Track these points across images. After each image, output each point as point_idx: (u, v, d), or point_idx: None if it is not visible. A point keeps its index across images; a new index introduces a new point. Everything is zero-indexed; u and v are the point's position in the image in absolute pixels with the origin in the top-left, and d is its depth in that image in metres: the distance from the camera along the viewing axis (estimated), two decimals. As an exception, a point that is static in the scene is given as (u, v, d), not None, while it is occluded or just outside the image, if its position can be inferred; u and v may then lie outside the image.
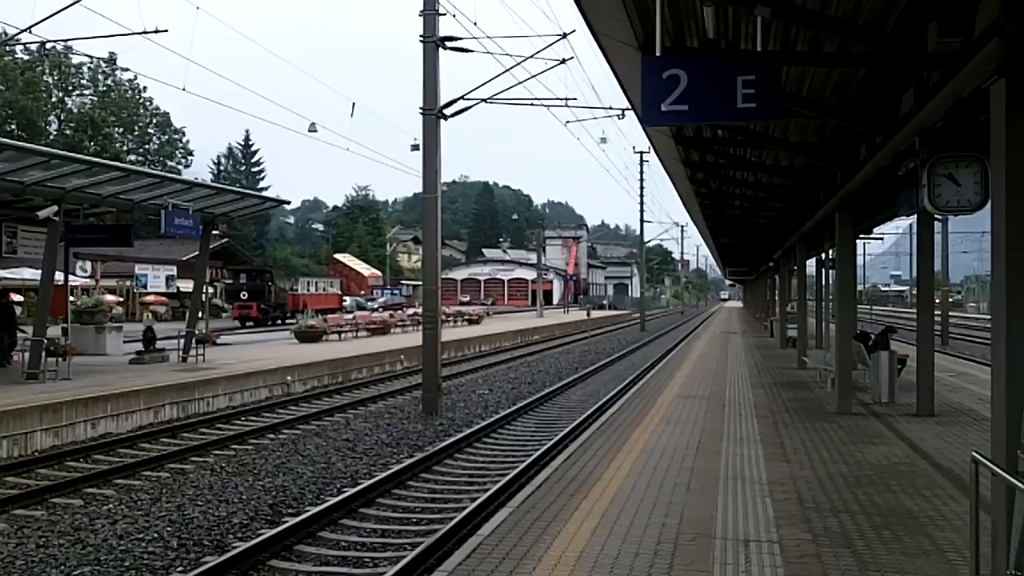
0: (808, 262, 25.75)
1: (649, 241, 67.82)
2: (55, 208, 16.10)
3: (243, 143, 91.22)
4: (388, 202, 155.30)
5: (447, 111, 16.52)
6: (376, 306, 58.54)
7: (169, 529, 8.45)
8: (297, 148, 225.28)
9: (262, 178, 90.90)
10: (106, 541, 8.03)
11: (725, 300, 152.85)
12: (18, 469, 11.04)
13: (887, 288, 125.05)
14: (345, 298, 59.81)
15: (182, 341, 20.47)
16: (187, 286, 40.59)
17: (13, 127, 61.91)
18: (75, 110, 71.30)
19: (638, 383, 18.46)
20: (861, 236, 22.24)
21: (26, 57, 65.04)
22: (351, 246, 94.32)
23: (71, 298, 21.83)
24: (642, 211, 55.59)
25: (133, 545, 7.92)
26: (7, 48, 53.84)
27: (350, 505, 9.25)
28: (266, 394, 18.09)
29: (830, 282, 24.59)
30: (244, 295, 46.00)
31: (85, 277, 38.46)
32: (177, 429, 14.13)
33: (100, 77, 71.95)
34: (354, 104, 22.21)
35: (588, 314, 45.75)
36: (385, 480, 10.30)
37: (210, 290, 39.34)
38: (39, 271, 18.20)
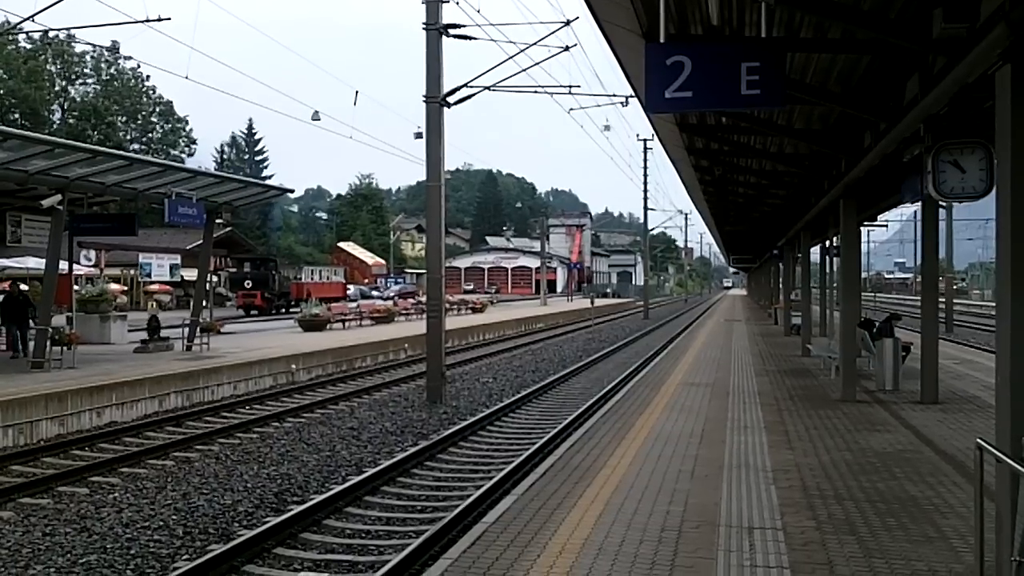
0: (812, 250, 25.68)
1: (653, 229, 67.86)
2: (59, 197, 16.11)
3: (246, 131, 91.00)
4: (391, 190, 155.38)
5: (450, 99, 16.49)
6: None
7: (174, 517, 8.50)
8: (300, 136, 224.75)
9: (265, 166, 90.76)
10: (112, 529, 8.08)
11: (729, 288, 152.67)
12: (24, 458, 11.10)
13: (891, 275, 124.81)
14: (349, 286, 59.83)
15: (186, 330, 20.54)
16: (191, 275, 40.66)
17: (16, 116, 61.86)
18: (78, 99, 71.20)
19: (642, 371, 18.49)
20: (865, 223, 22.13)
21: (29, 46, 64.82)
22: (355, 235, 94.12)
23: (75, 287, 21.90)
24: (646, 199, 55.47)
25: (139, 533, 7.97)
26: (10, 37, 53.71)
27: (355, 493, 9.28)
28: (271, 383, 18.15)
29: (834, 270, 24.55)
30: (248, 284, 46.04)
31: (89, 266, 38.51)
32: (182, 418, 14.19)
33: (103, 66, 71.82)
34: (357, 92, 22.14)
35: (592, 302, 45.68)
36: (390, 468, 10.34)
37: (214, 279, 39.36)
38: (43, 260, 18.23)
